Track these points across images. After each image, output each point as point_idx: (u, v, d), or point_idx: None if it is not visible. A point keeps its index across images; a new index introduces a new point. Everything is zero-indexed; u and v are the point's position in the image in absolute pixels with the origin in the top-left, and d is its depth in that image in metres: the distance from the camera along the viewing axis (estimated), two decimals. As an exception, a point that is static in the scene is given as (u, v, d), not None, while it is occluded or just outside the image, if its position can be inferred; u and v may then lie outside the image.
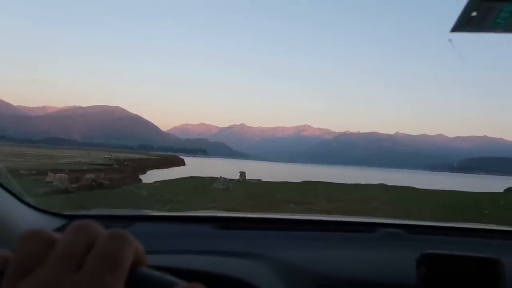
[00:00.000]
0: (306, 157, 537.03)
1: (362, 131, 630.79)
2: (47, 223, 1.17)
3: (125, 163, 33.47)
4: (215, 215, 1.37)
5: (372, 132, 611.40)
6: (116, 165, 28.80)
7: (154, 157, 60.97)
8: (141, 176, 25.76)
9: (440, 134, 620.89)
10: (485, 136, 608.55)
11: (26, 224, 1.09)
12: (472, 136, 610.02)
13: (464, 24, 0.51)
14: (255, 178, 19.45)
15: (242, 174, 18.54)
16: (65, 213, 1.24)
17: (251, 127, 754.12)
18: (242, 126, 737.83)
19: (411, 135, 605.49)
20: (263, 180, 19.13)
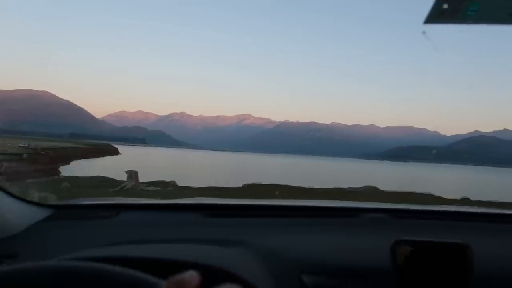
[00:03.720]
0: (248, 146, 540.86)
1: (301, 120, 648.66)
2: (33, 214, 1.15)
3: (42, 152, 30.10)
4: (201, 203, 1.35)
5: (310, 122, 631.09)
6: (27, 155, 25.25)
7: (83, 146, 56.68)
8: (63, 168, 23.54)
9: (372, 124, 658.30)
10: (411, 127, 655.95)
11: (14, 216, 1.08)
12: (400, 127, 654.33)
13: (437, 16, 0.52)
14: (162, 180, 13.96)
15: (131, 175, 12.11)
16: (51, 203, 1.22)
17: (191, 115, 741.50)
18: (183, 114, 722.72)
19: (346, 125, 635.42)
20: (181, 181, 14.33)
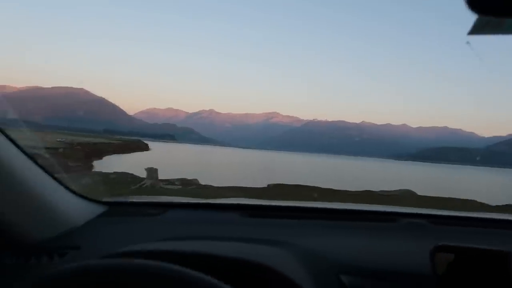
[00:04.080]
0: (276, 144, 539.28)
1: (329, 119, 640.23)
2: (90, 210, 1.25)
3: (77, 147, 31.27)
4: (241, 203, 1.40)
5: (339, 120, 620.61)
6: (62, 149, 26.41)
7: (115, 142, 58.48)
8: (95, 162, 24.07)
9: (404, 124, 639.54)
10: (445, 127, 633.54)
11: (75, 211, 1.18)
12: (434, 127, 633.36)
13: (482, 27, 0.51)
14: (184, 178, 13.33)
15: (151, 172, 11.75)
16: (105, 200, 1.32)
17: (220, 113, 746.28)
18: (211, 112, 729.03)
19: (376, 125, 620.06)
20: (213, 181, 13.68)
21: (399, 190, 14.16)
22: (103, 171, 15.38)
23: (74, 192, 1.21)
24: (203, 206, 1.38)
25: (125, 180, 12.41)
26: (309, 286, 0.93)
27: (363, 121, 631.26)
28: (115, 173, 14.18)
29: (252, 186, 13.05)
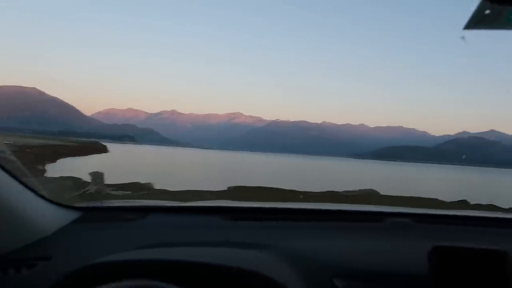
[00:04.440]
0: (238, 144, 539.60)
1: (292, 119, 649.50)
2: (63, 217, 1.16)
3: (27, 150, 29.26)
4: (225, 206, 1.36)
5: (301, 121, 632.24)
6: (8, 153, 24.36)
7: (71, 144, 55.71)
8: (48, 166, 22.64)
9: (362, 124, 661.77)
10: (400, 127, 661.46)
11: (44, 218, 1.08)
12: (390, 127, 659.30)
13: (478, 21, 0.52)
14: (136, 182, 12.37)
15: (96, 177, 10.57)
16: (78, 205, 1.23)
17: (182, 113, 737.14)
18: (173, 112, 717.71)
19: (336, 124, 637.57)
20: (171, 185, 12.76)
21: (362, 190, 14.22)
22: (55, 175, 14.31)
23: (43, 197, 1.11)
24: (183, 209, 1.33)
25: (68, 185, 11.50)
26: None
27: (324, 121, 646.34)
28: (60, 177, 13.12)
29: (213, 190, 12.59)
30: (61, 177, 13.11)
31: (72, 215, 1.19)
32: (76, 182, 11.86)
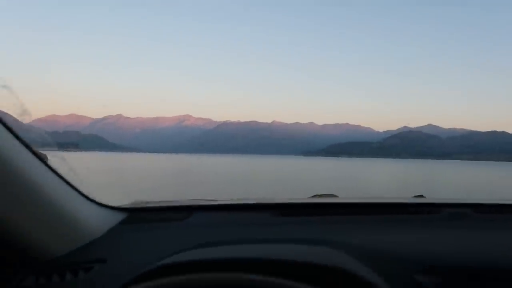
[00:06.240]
0: (189, 147, 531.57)
1: (242, 120, 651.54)
2: (111, 218, 1.17)
3: None
4: (272, 202, 1.34)
5: (251, 121, 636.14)
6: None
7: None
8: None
9: (311, 122, 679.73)
10: (347, 123, 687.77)
11: (94, 220, 1.09)
12: (337, 124, 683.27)
13: None
14: None
15: None
16: (122, 206, 1.24)
17: (129, 117, 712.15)
18: (119, 116, 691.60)
19: (286, 124, 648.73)
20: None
21: (320, 194, 13.69)
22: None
23: (90, 199, 1.11)
24: (227, 207, 1.31)
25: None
26: (385, 286, 0.85)
27: (274, 121, 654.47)
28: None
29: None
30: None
31: (119, 216, 1.19)
32: None
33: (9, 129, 0.83)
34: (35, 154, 0.89)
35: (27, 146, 0.87)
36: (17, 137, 0.85)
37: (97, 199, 1.14)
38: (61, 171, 0.98)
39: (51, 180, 0.94)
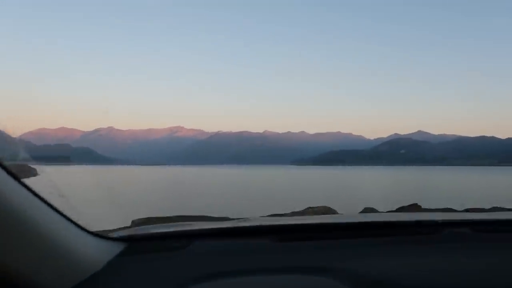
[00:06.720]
0: (182, 158, 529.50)
1: (234, 130, 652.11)
2: (108, 249, 1.11)
3: None
4: (270, 224, 1.31)
5: (243, 131, 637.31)
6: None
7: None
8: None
9: (302, 131, 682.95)
10: (339, 132, 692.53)
11: (92, 253, 1.04)
12: (329, 132, 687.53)
13: None
14: None
15: None
16: (119, 234, 1.20)
17: (121, 130, 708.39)
18: (111, 129, 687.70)
19: (278, 133, 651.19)
20: None
21: (313, 208, 13.27)
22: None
23: (86, 230, 1.06)
24: (226, 232, 1.28)
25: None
26: None
27: (265, 130, 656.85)
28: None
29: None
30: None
31: (116, 247, 1.14)
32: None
33: None
34: (24, 185, 0.82)
35: (14, 176, 0.79)
36: (4, 168, 0.77)
37: (94, 229, 1.10)
38: (53, 197, 0.92)
39: (44, 211, 0.89)
